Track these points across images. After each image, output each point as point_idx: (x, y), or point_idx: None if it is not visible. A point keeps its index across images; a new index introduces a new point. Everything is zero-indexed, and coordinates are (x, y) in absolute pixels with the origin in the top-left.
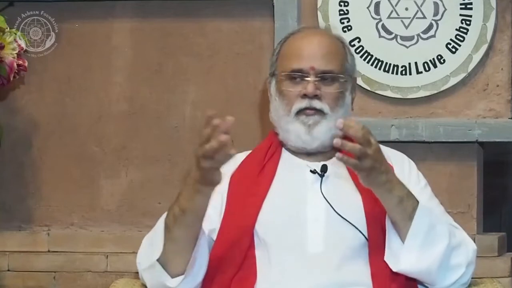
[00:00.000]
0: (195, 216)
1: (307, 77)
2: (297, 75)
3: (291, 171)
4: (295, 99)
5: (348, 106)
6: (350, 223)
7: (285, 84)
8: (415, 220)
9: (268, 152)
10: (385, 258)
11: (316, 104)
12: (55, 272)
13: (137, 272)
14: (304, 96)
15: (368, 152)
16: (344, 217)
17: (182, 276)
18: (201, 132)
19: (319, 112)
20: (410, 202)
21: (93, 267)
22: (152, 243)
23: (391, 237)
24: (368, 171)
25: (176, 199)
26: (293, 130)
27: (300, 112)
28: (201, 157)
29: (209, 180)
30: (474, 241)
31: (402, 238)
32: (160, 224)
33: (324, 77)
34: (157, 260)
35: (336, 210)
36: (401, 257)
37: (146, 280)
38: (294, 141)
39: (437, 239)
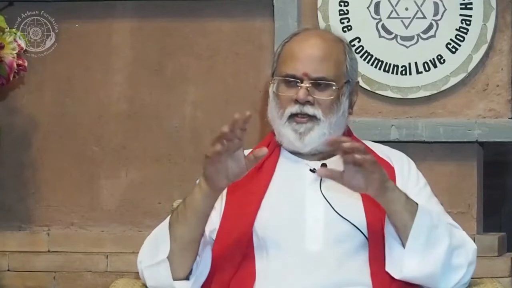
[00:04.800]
0: (196, 216)
1: (301, 82)
2: (291, 80)
3: (290, 170)
4: (287, 103)
5: (344, 111)
6: (350, 222)
7: (280, 87)
8: (416, 221)
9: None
10: (386, 268)
11: (308, 110)
12: (55, 272)
13: (137, 272)
14: (296, 101)
15: (366, 158)
16: (344, 216)
17: (187, 282)
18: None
19: (312, 118)
20: (411, 204)
21: (93, 267)
22: (157, 242)
23: (392, 244)
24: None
25: (184, 198)
26: (285, 135)
27: (292, 117)
28: (217, 141)
29: (214, 184)
30: (474, 241)
31: (404, 242)
32: (165, 223)
33: (318, 83)
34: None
35: (336, 209)
36: (404, 262)
37: (146, 279)
38: (287, 144)
39: (439, 240)
